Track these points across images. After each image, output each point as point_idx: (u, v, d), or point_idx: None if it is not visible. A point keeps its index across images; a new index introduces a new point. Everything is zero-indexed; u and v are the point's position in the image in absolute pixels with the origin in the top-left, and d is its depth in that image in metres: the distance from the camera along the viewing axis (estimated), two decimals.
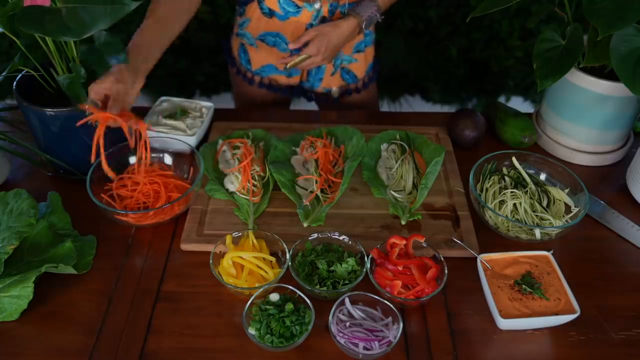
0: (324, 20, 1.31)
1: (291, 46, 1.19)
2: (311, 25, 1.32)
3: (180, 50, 2.24)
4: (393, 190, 1.12)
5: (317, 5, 1.27)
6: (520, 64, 2.27)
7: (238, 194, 1.10)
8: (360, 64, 1.44)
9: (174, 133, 1.17)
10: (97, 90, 0.99)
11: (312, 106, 1.58)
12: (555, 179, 1.10)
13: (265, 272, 0.94)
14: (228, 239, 0.97)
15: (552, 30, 1.11)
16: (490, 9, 1.09)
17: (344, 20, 1.18)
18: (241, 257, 0.95)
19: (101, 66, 1.01)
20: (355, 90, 1.48)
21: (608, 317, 0.92)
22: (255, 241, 0.99)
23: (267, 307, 0.87)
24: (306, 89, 1.47)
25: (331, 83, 1.45)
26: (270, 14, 1.32)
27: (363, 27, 1.19)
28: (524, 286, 0.91)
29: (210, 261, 0.93)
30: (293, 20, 1.31)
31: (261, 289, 0.89)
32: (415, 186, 1.12)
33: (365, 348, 0.84)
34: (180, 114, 1.22)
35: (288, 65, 1.15)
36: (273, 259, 0.97)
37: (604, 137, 1.21)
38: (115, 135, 1.14)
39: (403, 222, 1.06)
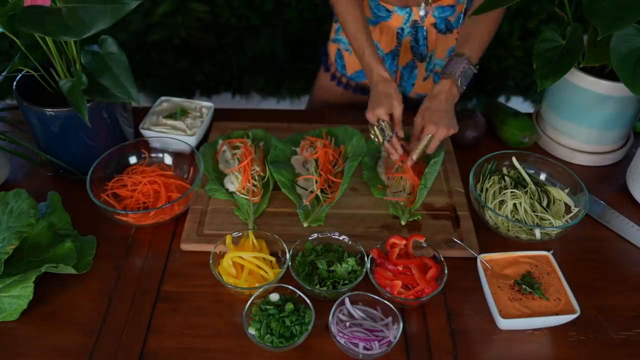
0: (415, 24, 1.30)
1: (412, 146, 1.12)
2: (402, 29, 1.31)
3: (180, 50, 2.24)
4: (393, 192, 1.12)
5: (422, 12, 1.27)
6: (520, 64, 2.27)
7: (238, 194, 1.10)
8: None
9: (174, 133, 1.17)
10: (380, 114, 1.08)
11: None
12: (555, 179, 1.10)
13: (265, 272, 0.94)
14: (228, 239, 0.97)
15: (552, 30, 1.11)
16: (491, 9, 1.09)
17: (438, 86, 1.12)
18: (241, 257, 0.95)
19: (103, 73, 1.01)
20: None
21: (608, 317, 0.92)
22: (255, 241, 0.98)
23: (267, 307, 0.87)
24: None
25: (424, 88, 1.43)
26: None
27: (459, 84, 1.12)
28: (524, 286, 0.91)
29: (210, 261, 0.93)
30: (384, 24, 1.32)
31: (261, 289, 0.89)
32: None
33: (365, 348, 0.84)
34: (180, 114, 1.22)
35: (415, 157, 1.09)
36: (273, 259, 0.97)
37: (604, 137, 1.21)
38: (115, 135, 1.14)
39: (403, 223, 1.06)
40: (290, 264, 0.93)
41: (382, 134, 1.10)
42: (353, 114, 1.37)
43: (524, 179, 1.09)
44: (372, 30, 1.33)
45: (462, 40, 1.17)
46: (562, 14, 1.16)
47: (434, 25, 1.32)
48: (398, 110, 1.11)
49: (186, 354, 0.86)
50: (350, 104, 1.52)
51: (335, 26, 1.43)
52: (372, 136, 1.12)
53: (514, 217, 1.03)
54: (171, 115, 1.21)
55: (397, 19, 1.30)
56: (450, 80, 1.11)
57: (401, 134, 1.13)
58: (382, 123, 1.10)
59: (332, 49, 1.47)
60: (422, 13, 1.28)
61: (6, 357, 0.86)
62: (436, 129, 1.07)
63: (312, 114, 1.39)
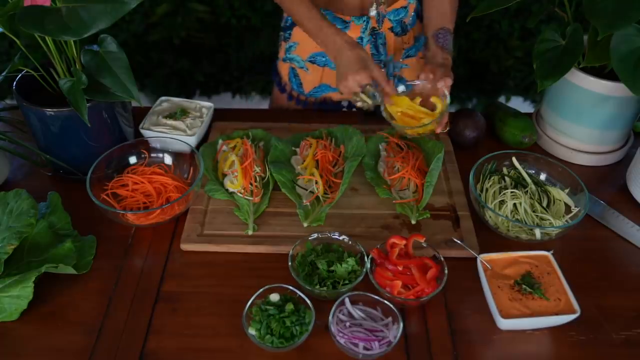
0: (373, 31, 1.30)
1: (423, 77, 1.12)
2: (361, 38, 1.30)
3: (180, 50, 2.24)
4: (397, 190, 1.12)
5: (373, 13, 1.26)
6: (520, 64, 2.28)
7: (238, 194, 1.09)
8: (411, 70, 1.40)
9: (174, 133, 1.17)
10: (362, 79, 1.05)
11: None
12: (555, 179, 1.10)
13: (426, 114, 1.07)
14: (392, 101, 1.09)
15: (552, 30, 1.11)
16: (490, 9, 1.09)
17: (439, 53, 1.15)
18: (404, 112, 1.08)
19: (103, 72, 1.01)
20: None
21: (608, 317, 0.92)
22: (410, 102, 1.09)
23: (267, 307, 0.87)
24: None
25: None
26: None
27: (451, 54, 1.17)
28: (524, 286, 0.91)
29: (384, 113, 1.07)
30: None
31: (261, 290, 0.89)
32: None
33: (365, 348, 0.84)
34: (180, 114, 1.22)
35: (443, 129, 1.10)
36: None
37: (604, 137, 1.21)
38: (115, 135, 1.14)
39: (413, 222, 1.06)
40: (290, 263, 0.93)
41: (373, 98, 1.06)
42: (355, 114, 1.38)
43: (524, 179, 1.09)
44: None
45: (437, 16, 1.19)
46: (562, 14, 1.16)
47: (391, 29, 1.32)
48: (378, 70, 1.07)
49: (186, 354, 0.86)
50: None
51: (284, 45, 1.40)
52: (360, 104, 1.08)
53: (514, 217, 1.03)
54: (171, 115, 1.21)
55: (355, 29, 1.29)
56: (449, 54, 1.14)
57: (394, 90, 1.10)
58: (369, 88, 1.06)
59: (284, 68, 1.43)
60: (372, 13, 1.26)
61: (6, 357, 0.86)
62: (450, 80, 1.09)
63: (312, 114, 1.39)
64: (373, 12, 1.26)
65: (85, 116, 0.98)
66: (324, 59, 1.34)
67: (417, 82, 1.13)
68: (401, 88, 1.13)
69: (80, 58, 1.04)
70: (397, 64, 1.39)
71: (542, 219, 1.02)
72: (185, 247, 1.02)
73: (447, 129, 1.13)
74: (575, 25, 1.08)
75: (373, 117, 1.36)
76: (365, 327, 0.86)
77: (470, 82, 2.40)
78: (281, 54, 1.43)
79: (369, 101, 1.07)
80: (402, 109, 1.11)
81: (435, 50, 1.15)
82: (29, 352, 0.86)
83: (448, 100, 1.09)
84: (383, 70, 1.09)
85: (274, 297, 0.89)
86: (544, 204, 1.04)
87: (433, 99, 1.11)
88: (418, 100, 1.13)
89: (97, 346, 0.87)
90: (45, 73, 1.08)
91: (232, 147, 1.18)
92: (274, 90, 1.51)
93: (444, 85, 1.09)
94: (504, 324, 0.87)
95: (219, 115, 1.29)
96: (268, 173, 1.14)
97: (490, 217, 1.03)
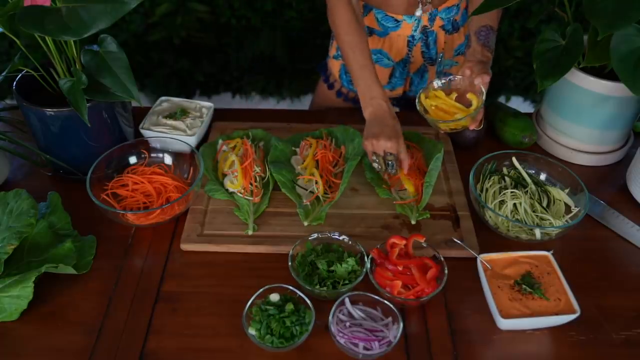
0: (424, 30, 1.30)
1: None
2: (412, 37, 1.31)
3: (180, 50, 2.24)
4: (397, 190, 1.12)
5: (418, 13, 1.26)
6: (520, 64, 2.27)
7: (238, 194, 1.09)
8: (460, 67, 1.38)
9: (174, 133, 1.17)
10: (389, 148, 1.06)
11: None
12: (555, 179, 1.10)
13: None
14: (422, 96, 1.12)
15: (552, 30, 1.11)
16: (490, 9, 1.09)
17: (479, 50, 1.17)
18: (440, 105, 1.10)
19: (103, 72, 1.01)
20: None
21: (608, 317, 0.92)
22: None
23: (267, 307, 0.87)
24: (410, 97, 1.45)
25: None
26: (370, 32, 1.32)
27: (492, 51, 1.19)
28: (524, 286, 0.91)
29: (418, 104, 1.09)
30: (393, 34, 1.31)
31: (261, 290, 0.89)
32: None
33: (365, 348, 0.84)
34: (180, 114, 1.22)
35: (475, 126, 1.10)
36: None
37: (604, 137, 1.21)
38: (115, 135, 1.14)
39: (413, 222, 1.06)
40: (290, 263, 0.93)
41: (390, 167, 1.08)
42: (355, 114, 1.38)
43: (524, 179, 1.09)
44: (382, 42, 1.33)
45: (480, 16, 1.17)
46: (562, 14, 1.16)
47: (442, 27, 1.32)
48: (405, 152, 1.08)
49: (186, 354, 0.86)
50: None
51: (335, 43, 1.41)
52: (376, 165, 1.09)
53: (514, 217, 1.03)
54: (171, 115, 1.21)
55: (407, 27, 1.30)
56: (490, 52, 1.18)
57: (406, 170, 1.11)
58: (391, 157, 1.07)
59: (335, 65, 1.44)
60: (418, 14, 1.27)
61: (6, 357, 0.86)
62: (488, 77, 1.12)
63: (313, 114, 1.39)
64: (419, 13, 1.27)
65: (85, 116, 0.98)
66: (375, 56, 1.34)
67: (452, 77, 1.14)
68: (437, 82, 1.15)
69: (80, 58, 1.04)
70: (447, 62, 1.39)
71: (542, 219, 1.02)
72: (185, 247, 1.02)
73: (482, 126, 1.13)
74: (575, 25, 1.08)
75: None
76: (365, 327, 0.86)
77: None
78: (332, 52, 1.44)
79: (384, 167, 1.09)
80: (436, 102, 1.13)
81: (476, 47, 1.17)
82: (29, 352, 0.86)
83: (484, 97, 1.10)
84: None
85: (274, 297, 0.89)
86: (544, 204, 1.04)
87: (469, 96, 1.12)
88: (454, 95, 1.14)
89: (97, 346, 0.87)
90: (45, 73, 1.08)
91: (232, 147, 1.18)
92: (320, 87, 1.52)
93: (481, 82, 1.10)
94: (504, 324, 0.87)
95: (219, 115, 1.29)
96: (268, 173, 1.14)
97: (490, 217, 1.03)
